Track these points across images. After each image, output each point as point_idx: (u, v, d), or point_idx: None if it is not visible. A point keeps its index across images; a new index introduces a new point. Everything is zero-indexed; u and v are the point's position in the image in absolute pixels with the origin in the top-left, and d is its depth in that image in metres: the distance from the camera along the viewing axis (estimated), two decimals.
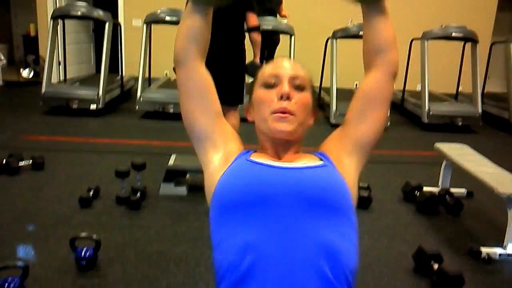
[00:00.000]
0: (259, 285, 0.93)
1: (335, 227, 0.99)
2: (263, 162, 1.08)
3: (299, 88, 1.14)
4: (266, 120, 1.13)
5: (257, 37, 3.34)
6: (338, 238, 0.98)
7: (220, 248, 1.02)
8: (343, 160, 1.14)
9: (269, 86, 1.15)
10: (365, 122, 1.16)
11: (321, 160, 1.13)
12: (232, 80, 3.30)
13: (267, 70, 1.18)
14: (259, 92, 1.16)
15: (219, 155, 1.15)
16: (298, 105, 1.12)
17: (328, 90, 6.27)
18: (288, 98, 1.11)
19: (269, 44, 6.42)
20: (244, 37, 3.39)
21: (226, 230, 1.02)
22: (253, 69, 1.95)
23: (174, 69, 1.22)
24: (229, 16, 3.20)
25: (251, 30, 3.31)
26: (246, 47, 3.48)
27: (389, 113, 6.13)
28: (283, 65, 1.17)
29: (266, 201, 0.99)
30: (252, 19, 3.27)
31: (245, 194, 1.01)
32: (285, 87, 1.11)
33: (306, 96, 1.15)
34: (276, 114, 1.10)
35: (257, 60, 3.43)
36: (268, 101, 1.13)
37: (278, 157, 1.15)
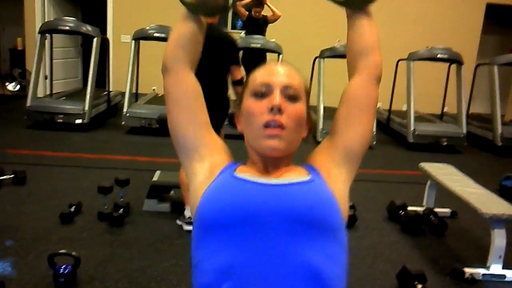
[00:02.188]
0: None
1: (323, 248, 0.92)
2: (247, 179, 1.00)
3: (292, 98, 1.04)
4: (256, 135, 1.03)
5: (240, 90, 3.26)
6: (326, 261, 0.92)
7: (198, 269, 0.97)
8: (333, 172, 1.07)
9: (259, 95, 1.04)
10: (351, 129, 1.09)
11: (309, 174, 1.05)
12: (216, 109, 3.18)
13: (258, 76, 1.07)
14: (249, 102, 1.05)
15: (205, 168, 1.07)
16: (291, 118, 1.02)
17: (315, 109, 6.31)
18: (279, 110, 1.00)
19: (258, 62, 6.41)
20: (227, 88, 3.28)
21: (206, 252, 0.96)
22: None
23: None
24: (213, 68, 3.06)
25: (235, 84, 3.23)
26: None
27: (375, 132, 6.20)
28: (275, 72, 1.06)
29: (248, 221, 0.92)
30: (237, 73, 3.20)
31: (226, 214, 0.94)
32: (276, 99, 1.01)
33: (299, 108, 1.05)
34: (266, 130, 1.01)
35: None
36: (258, 113, 1.02)
37: (267, 171, 1.06)
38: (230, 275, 0.90)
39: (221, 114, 3.25)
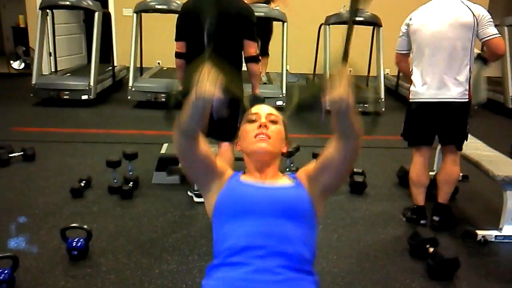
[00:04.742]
0: (245, 257, 1.32)
1: (298, 228, 1.38)
2: (250, 183, 1.46)
3: (273, 122, 1.52)
4: (249, 144, 1.49)
5: (256, 68, 2.97)
6: (299, 235, 1.37)
7: (220, 240, 1.41)
8: (311, 189, 1.45)
9: (251, 121, 1.52)
10: (331, 176, 1.41)
11: (293, 181, 1.49)
12: (227, 117, 2.62)
13: (250, 111, 1.55)
14: (244, 127, 1.54)
15: (215, 184, 1.47)
16: (274, 133, 1.49)
17: (322, 77, 6.23)
18: (265, 126, 1.48)
19: (263, 35, 6.17)
20: (241, 68, 2.98)
21: (226, 229, 1.39)
22: (257, 103, 1.71)
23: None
24: (225, 44, 2.77)
25: (249, 60, 2.92)
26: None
27: (383, 99, 6.14)
28: (262, 107, 1.56)
29: (252, 211, 1.38)
30: (251, 49, 2.87)
31: (237, 206, 1.40)
32: (263, 119, 1.50)
33: (279, 128, 1.53)
34: (257, 137, 1.47)
35: (257, 91, 3.04)
36: (251, 131, 1.50)
37: (261, 177, 1.49)
38: (242, 241, 1.35)
39: (234, 103, 2.63)
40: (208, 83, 1.18)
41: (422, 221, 2.97)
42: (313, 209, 1.44)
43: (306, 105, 1.29)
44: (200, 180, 1.52)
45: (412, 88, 2.91)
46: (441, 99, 2.76)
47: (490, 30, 2.72)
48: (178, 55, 2.98)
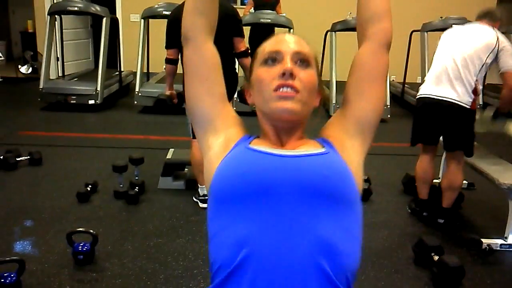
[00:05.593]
0: (251, 279, 0.86)
1: (338, 221, 0.91)
2: (262, 150, 0.99)
3: (304, 64, 1.02)
4: (268, 100, 1.00)
5: (248, 61, 3.15)
6: (341, 234, 0.90)
7: (214, 241, 0.96)
8: (346, 144, 1.05)
9: (269, 63, 1.02)
10: (363, 98, 1.07)
11: (323, 147, 1.03)
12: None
13: (267, 46, 1.05)
14: (259, 71, 1.03)
15: (219, 141, 1.06)
16: (303, 83, 0.99)
17: (328, 83, 6.24)
18: (291, 75, 0.98)
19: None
20: (234, 62, 3.24)
21: (222, 222, 0.94)
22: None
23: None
24: (220, 42, 3.02)
25: (240, 56, 3.15)
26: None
27: (389, 105, 6.14)
28: (285, 40, 1.04)
29: (264, 192, 0.91)
30: (240, 45, 3.11)
31: (241, 185, 0.93)
32: (288, 63, 0.99)
33: (311, 74, 1.02)
34: (279, 91, 0.98)
35: None
36: (269, 79, 1.00)
37: (281, 143, 1.04)
38: (245, 245, 0.88)
39: (229, 89, 3.21)
40: None
41: (424, 213, 3.18)
42: (356, 186, 0.99)
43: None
44: (201, 114, 1.10)
45: (419, 88, 3.16)
46: (442, 97, 2.91)
47: (508, 64, 2.88)
48: (169, 61, 3.22)
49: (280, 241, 0.87)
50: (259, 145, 1.02)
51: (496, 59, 2.87)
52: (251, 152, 1.00)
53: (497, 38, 2.86)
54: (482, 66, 2.86)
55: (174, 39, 3.05)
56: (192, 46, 1.10)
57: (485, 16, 3.05)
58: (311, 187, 0.91)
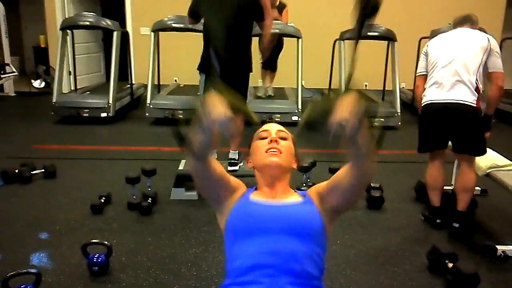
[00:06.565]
0: (255, 276, 1.33)
1: (305, 245, 1.37)
2: (259, 201, 1.47)
3: (283, 138, 1.56)
4: (261, 158, 1.52)
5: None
6: (305, 252, 1.36)
7: (231, 259, 1.42)
8: (321, 207, 1.46)
9: (262, 138, 1.56)
10: (337, 200, 1.42)
11: (302, 198, 1.50)
12: (238, 83, 3.41)
13: (260, 130, 1.60)
14: (255, 143, 1.57)
15: (227, 204, 1.50)
16: (284, 148, 1.53)
17: (337, 92, 6.24)
18: (276, 141, 1.52)
19: (273, 49, 6.24)
20: (250, 46, 3.51)
21: (236, 248, 1.41)
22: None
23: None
24: (237, 29, 3.33)
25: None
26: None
27: (399, 112, 6.12)
28: (271, 125, 1.62)
29: (260, 229, 1.39)
30: (266, 22, 3.44)
31: (246, 226, 1.42)
32: (273, 135, 1.55)
33: (289, 144, 1.56)
34: (269, 152, 1.50)
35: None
36: (262, 146, 1.53)
37: (271, 193, 1.51)
38: (252, 260, 1.36)
39: (243, 71, 3.49)
40: (216, 107, 1.16)
41: (438, 220, 3.17)
42: (322, 226, 1.43)
43: (316, 122, 1.14)
44: (214, 198, 1.53)
45: (423, 95, 3.17)
46: (451, 100, 2.97)
47: (498, 64, 2.99)
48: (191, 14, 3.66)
49: (272, 257, 1.35)
50: (256, 197, 1.50)
51: (486, 59, 2.98)
52: (252, 203, 1.48)
53: (488, 40, 2.98)
54: (480, 65, 2.96)
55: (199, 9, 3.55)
56: (202, 178, 1.45)
57: (466, 22, 3.18)
58: (287, 225, 1.39)
